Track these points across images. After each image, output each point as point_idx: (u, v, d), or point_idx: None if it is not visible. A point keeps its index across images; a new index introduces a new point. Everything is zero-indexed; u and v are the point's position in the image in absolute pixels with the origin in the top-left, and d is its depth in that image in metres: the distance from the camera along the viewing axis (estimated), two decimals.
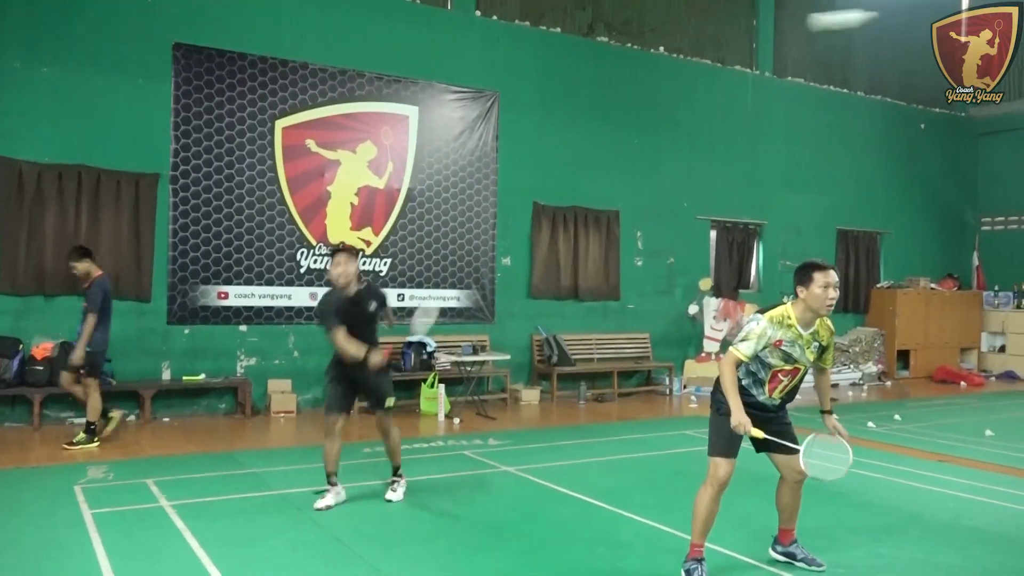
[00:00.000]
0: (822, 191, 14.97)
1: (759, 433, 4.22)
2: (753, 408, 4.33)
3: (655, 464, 7.55)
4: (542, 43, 12.04)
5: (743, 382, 4.38)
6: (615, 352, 12.44)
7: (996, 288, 16.45)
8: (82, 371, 7.58)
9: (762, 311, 4.39)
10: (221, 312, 9.73)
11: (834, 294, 4.22)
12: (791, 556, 4.64)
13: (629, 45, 12.89)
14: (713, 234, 13.82)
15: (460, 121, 11.23)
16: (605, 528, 5.39)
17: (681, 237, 13.27)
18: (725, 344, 12.77)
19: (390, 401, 5.82)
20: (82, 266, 7.67)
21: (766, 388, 4.37)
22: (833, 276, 4.23)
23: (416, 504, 5.88)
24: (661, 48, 13.22)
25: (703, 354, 12.79)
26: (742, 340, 4.27)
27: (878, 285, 15.68)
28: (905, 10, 15.87)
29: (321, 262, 10.22)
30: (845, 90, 15.50)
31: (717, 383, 4.43)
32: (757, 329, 4.24)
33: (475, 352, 10.22)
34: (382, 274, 10.63)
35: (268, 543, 4.91)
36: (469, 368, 10.23)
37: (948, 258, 16.84)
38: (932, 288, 15.82)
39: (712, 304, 12.90)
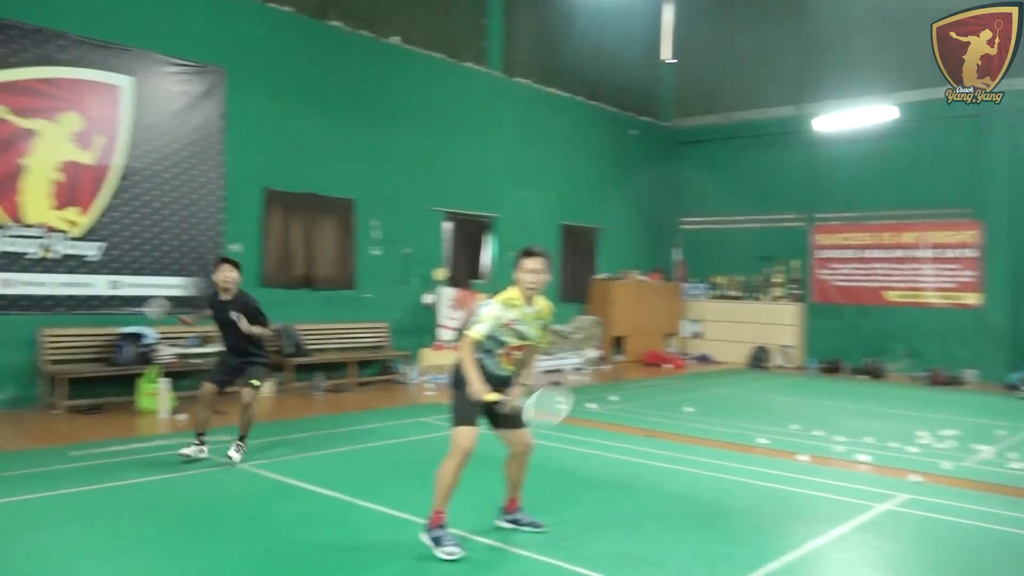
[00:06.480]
0: (547, 188, 15.87)
1: (493, 396, 4.64)
2: (488, 382, 4.70)
3: (392, 452, 7.53)
4: (271, 21, 11.49)
5: (480, 358, 4.80)
6: (352, 342, 12.26)
7: (694, 280, 18.53)
8: None
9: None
10: None
11: (534, 277, 4.73)
12: (516, 522, 5.09)
13: (363, 32, 12.72)
14: (447, 225, 14.11)
15: (182, 96, 10.40)
16: (340, 520, 5.28)
17: (417, 228, 13.38)
18: (460, 333, 13.11)
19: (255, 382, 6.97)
20: None
21: (498, 360, 4.82)
22: (537, 261, 4.74)
23: (134, 509, 5.37)
24: (395, 38, 13.21)
25: (438, 343, 13.03)
26: (476, 323, 4.73)
27: (596, 277, 16.96)
28: (616, 25, 17.32)
29: (16, 244, 8.97)
30: (568, 94, 16.54)
31: (456, 365, 4.82)
32: (489, 312, 4.74)
33: (202, 344, 9.55)
34: (93, 259, 9.55)
35: None
36: (196, 361, 9.54)
37: (656, 253, 18.66)
38: (642, 280, 17.43)
39: (447, 294, 13.18)
